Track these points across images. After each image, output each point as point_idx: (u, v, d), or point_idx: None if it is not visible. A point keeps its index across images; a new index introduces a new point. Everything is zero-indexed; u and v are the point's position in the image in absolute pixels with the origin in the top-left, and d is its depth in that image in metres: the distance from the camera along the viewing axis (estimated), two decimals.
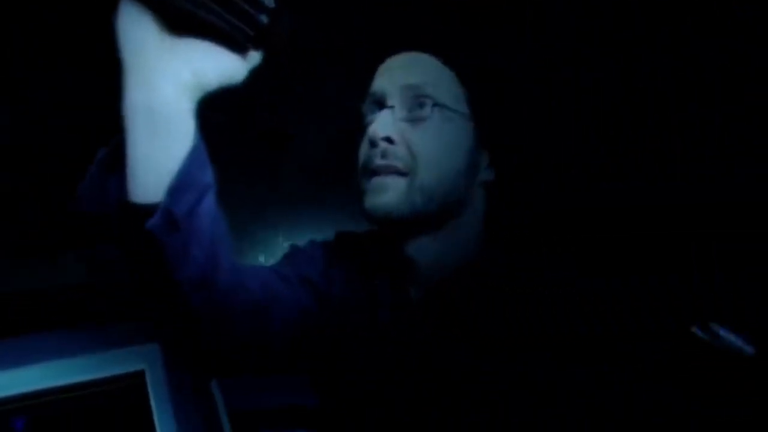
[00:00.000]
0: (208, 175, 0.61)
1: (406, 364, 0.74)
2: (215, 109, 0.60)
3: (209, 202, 0.61)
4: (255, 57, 0.63)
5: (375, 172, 0.73)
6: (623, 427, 0.65)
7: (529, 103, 0.82)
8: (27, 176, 1.43)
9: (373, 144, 0.73)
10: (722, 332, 0.73)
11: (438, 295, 0.76)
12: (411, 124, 0.73)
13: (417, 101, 0.73)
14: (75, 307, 1.03)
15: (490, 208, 0.78)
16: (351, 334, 0.79)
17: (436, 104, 0.72)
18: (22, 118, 1.34)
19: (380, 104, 0.75)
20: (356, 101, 0.79)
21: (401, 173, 0.72)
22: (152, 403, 1.01)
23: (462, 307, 0.73)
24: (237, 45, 0.60)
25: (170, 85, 0.57)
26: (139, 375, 1.02)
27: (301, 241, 0.90)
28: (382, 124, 0.72)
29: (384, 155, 0.72)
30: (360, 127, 0.78)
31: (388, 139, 0.72)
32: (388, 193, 0.72)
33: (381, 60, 0.78)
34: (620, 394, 0.66)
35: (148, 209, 0.57)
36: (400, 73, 0.75)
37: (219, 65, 0.60)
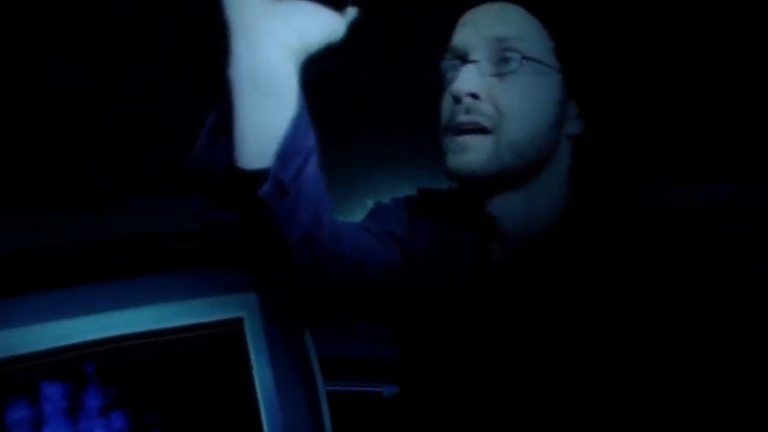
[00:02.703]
0: (311, 139, 0.63)
1: (482, 324, 0.74)
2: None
3: (313, 164, 0.63)
4: (352, 12, 0.62)
5: (458, 128, 0.71)
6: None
7: (623, 53, 0.77)
8: (137, 122, 1.49)
9: (457, 100, 0.71)
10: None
11: (520, 263, 0.75)
12: (497, 78, 0.70)
13: (503, 55, 0.70)
14: (178, 253, 1.09)
15: (578, 163, 0.75)
16: (432, 290, 0.80)
17: (524, 57, 0.69)
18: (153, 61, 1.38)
19: (463, 59, 0.72)
20: (435, 57, 0.77)
21: (485, 131, 0.70)
22: (250, 349, 1.07)
23: (541, 280, 0.72)
24: (336, 1, 0.60)
25: (275, 47, 0.57)
26: (238, 322, 1.08)
27: (385, 198, 0.91)
28: (466, 80, 0.70)
29: (468, 111, 0.70)
30: (440, 84, 0.76)
31: (473, 95, 0.70)
32: (472, 153, 0.70)
33: (461, 12, 0.75)
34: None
35: (257, 174, 0.59)
36: (484, 26, 0.72)
37: (320, 24, 0.60)
